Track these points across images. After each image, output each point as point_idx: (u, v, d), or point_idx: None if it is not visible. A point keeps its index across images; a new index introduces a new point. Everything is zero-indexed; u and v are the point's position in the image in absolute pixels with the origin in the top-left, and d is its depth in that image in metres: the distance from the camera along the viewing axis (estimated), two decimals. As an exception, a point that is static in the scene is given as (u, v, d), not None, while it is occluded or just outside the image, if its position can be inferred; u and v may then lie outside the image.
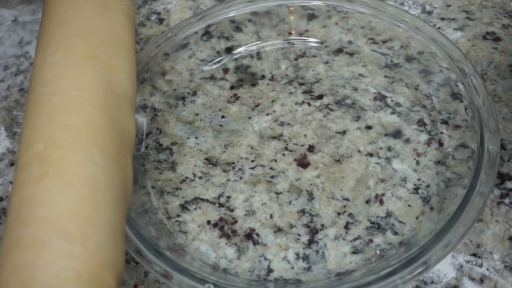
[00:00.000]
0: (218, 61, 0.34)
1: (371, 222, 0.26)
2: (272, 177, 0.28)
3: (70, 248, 0.19)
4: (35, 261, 0.18)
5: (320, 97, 0.31)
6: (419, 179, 0.27)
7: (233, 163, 0.29)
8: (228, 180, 0.28)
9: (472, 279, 0.24)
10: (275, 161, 0.29)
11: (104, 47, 0.26)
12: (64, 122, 0.22)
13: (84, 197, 0.20)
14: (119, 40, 0.27)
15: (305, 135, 0.30)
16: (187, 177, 0.29)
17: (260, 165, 0.29)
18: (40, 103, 0.23)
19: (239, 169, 0.29)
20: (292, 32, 0.34)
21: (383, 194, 0.27)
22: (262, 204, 0.27)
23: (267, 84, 0.32)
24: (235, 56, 0.34)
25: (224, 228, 0.27)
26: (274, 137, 0.30)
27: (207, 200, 0.28)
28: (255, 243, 0.26)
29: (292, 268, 0.25)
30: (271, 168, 0.28)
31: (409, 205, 0.26)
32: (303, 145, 0.29)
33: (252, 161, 0.29)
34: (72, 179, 0.20)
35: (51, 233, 0.19)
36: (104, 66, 0.25)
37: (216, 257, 0.26)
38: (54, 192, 0.20)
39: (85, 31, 0.26)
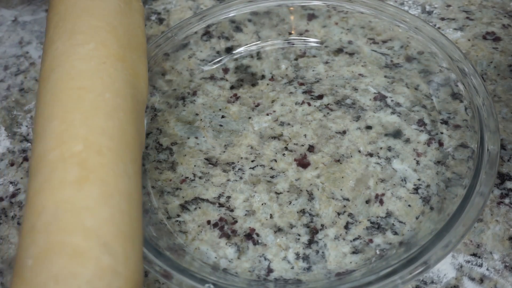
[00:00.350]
0: (218, 61, 0.34)
1: (371, 222, 0.26)
2: (272, 177, 0.28)
3: (114, 265, 0.18)
4: (80, 273, 0.18)
5: (320, 97, 0.31)
6: (419, 179, 0.27)
7: (233, 163, 0.29)
8: (228, 180, 0.28)
9: (472, 279, 0.24)
10: (275, 161, 0.29)
11: (130, 50, 0.25)
12: (102, 126, 0.21)
13: (123, 212, 0.20)
14: (140, 45, 0.26)
15: (305, 135, 0.30)
16: (187, 177, 0.29)
17: (260, 165, 0.29)
18: (72, 97, 0.22)
19: (239, 169, 0.29)
20: (292, 32, 0.34)
21: (383, 194, 0.27)
22: (262, 204, 0.27)
23: (267, 84, 0.32)
24: (235, 56, 0.34)
25: (224, 228, 0.27)
26: (274, 137, 0.30)
27: (207, 200, 0.28)
28: (255, 243, 0.26)
29: (292, 268, 0.25)
30: (271, 168, 0.28)
31: (409, 205, 0.26)
32: (303, 145, 0.29)
33: (252, 161, 0.29)
34: (113, 191, 0.20)
35: (98, 247, 0.18)
36: (131, 71, 0.24)
37: (216, 257, 0.26)
38: (97, 201, 0.19)
39: (115, 29, 0.24)
